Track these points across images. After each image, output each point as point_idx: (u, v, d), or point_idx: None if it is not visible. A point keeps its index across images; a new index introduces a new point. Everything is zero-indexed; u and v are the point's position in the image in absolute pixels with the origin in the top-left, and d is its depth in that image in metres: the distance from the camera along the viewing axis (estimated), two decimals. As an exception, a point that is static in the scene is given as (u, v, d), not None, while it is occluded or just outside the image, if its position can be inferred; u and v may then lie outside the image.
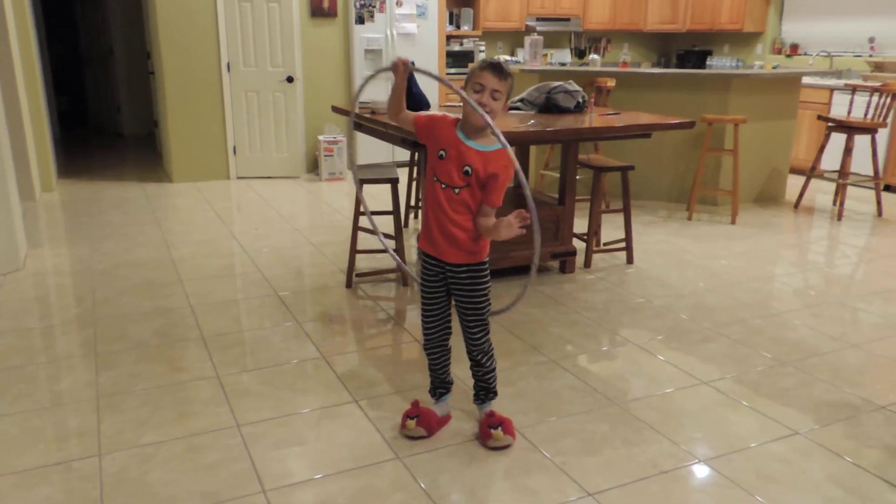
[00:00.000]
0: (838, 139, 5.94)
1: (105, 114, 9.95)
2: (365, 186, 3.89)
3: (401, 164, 6.69)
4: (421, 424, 2.42)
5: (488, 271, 2.36)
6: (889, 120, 6.05)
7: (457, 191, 2.22)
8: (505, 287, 3.68)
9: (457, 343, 2.47)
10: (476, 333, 2.38)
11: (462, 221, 2.25)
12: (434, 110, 4.25)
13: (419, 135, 2.35)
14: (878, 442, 2.44)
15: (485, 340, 2.40)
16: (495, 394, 2.51)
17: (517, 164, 2.12)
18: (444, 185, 2.24)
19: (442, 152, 2.23)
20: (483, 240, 2.31)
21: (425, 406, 2.48)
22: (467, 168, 2.19)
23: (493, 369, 2.46)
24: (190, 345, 3.18)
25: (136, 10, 8.50)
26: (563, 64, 8.74)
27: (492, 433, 2.35)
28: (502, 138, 2.09)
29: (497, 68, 2.17)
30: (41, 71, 6.54)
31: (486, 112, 2.09)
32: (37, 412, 2.59)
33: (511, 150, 2.12)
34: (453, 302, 2.41)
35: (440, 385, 2.56)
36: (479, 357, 2.42)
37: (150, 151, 8.44)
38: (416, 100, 4.15)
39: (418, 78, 4.03)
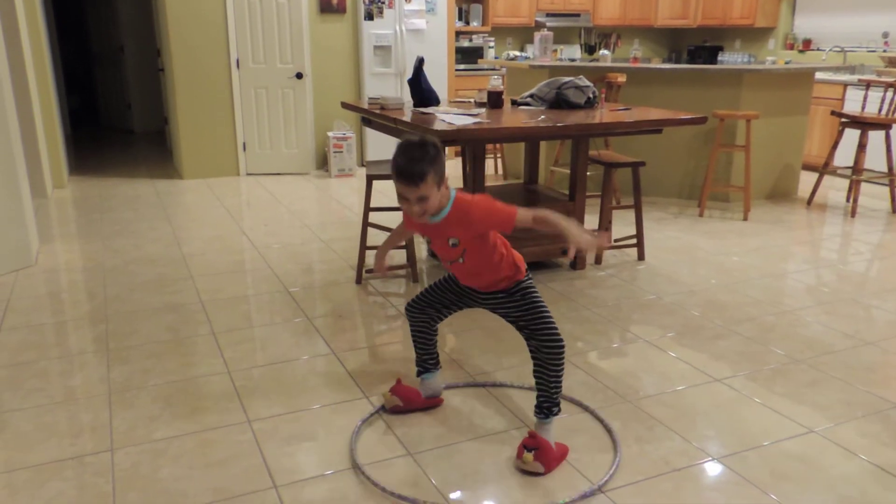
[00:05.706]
0: (852, 135, 5.89)
1: (116, 111, 10.00)
2: (374, 182, 3.88)
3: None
4: (396, 393, 2.53)
5: (530, 283, 2.30)
6: (903, 115, 6.00)
7: (461, 260, 2.23)
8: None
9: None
10: (543, 344, 2.24)
11: (489, 268, 2.24)
12: (444, 105, 4.25)
13: (419, 232, 2.39)
14: (894, 440, 2.41)
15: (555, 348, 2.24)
16: (554, 407, 2.28)
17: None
18: (451, 262, 2.28)
19: (428, 239, 2.23)
20: (507, 267, 2.25)
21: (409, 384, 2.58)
22: (451, 240, 2.21)
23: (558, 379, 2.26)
24: (201, 340, 3.19)
25: (146, 7, 8.53)
26: (573, 60, 8.72)
27: (523, 454, 2.20)
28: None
29: (405, 175, 2.03)
30: (52, 69, 6.57)
31: (422, 216, 2.11)
32: (49, 407, 2.60)
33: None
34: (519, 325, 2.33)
35: (419, 363, 2.58)
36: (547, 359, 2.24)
37: (161, 148, 8.47)
38: (426, 95, 4.15)
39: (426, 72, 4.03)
